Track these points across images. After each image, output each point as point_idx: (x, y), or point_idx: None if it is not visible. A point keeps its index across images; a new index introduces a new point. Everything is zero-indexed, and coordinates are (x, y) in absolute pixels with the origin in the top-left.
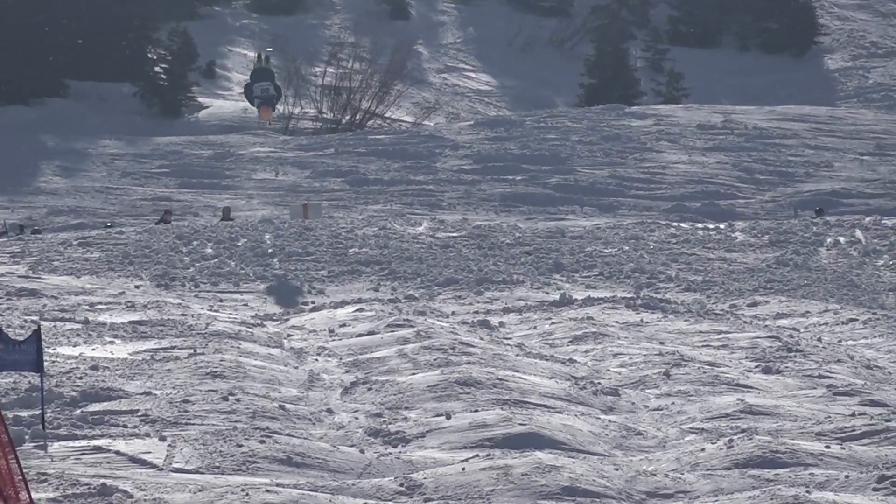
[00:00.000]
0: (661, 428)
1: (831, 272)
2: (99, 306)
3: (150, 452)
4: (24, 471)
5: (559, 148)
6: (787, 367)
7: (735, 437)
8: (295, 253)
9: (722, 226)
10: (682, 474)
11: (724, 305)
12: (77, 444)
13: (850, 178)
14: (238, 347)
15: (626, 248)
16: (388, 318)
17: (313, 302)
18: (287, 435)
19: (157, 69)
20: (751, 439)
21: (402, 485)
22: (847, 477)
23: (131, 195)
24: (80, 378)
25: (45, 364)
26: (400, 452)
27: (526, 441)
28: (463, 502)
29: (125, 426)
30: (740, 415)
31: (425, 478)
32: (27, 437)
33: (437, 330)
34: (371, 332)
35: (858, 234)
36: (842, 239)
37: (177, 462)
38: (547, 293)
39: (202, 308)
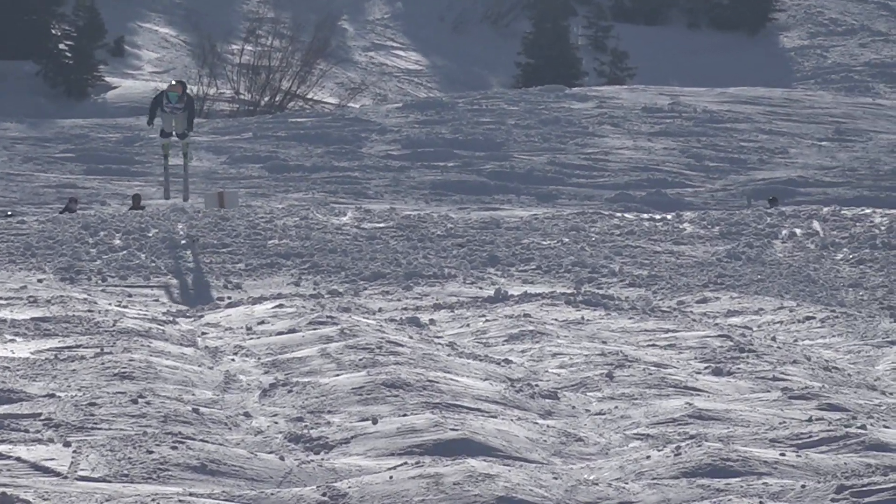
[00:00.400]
0: (603, 434)
1: (787, 266)
2: None
3: (53, 459)
4: None
5: (494, 132)
6: (739, 368)
7: (683, 444)
8: (210, 245)
9: (669, 216)
10: (627, 484)
11: (671, 302)
12: None
13: (806, 166)
14: (149, 346)
15: (566, 240)
16: (309, 314)
17: (229, 297)
18: (201, 440)
19: (61, 46)
20: (700, 446)
21: (324, 494)
22: (803, 487)
23: (34, 182)
24: None
25: None
26: (322, 459)
27: (458, 448)
28: None
29: (27, 431)
30: (689, 420)
31: (350, 487)
32: None
33: (363, 328)
34: (292, 330)
35: (816, 225)
36: (798, 231)
37: (82, 469)
38: (481, 288)
39: (110, 304)
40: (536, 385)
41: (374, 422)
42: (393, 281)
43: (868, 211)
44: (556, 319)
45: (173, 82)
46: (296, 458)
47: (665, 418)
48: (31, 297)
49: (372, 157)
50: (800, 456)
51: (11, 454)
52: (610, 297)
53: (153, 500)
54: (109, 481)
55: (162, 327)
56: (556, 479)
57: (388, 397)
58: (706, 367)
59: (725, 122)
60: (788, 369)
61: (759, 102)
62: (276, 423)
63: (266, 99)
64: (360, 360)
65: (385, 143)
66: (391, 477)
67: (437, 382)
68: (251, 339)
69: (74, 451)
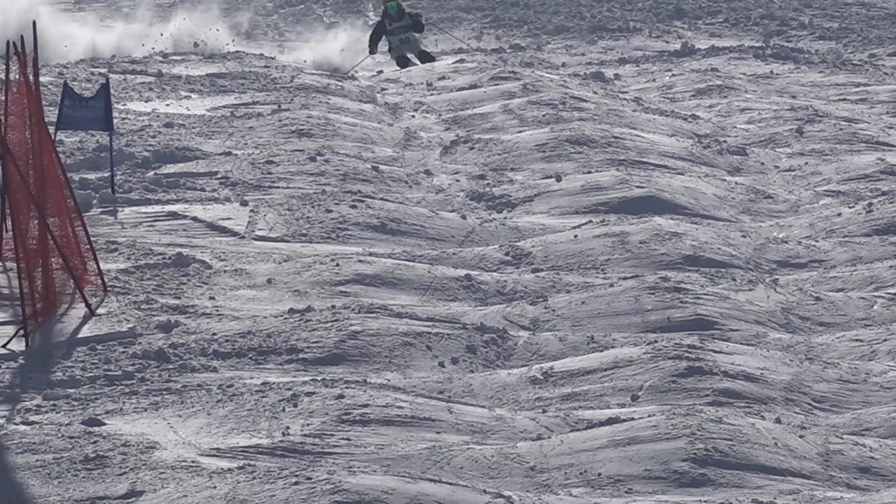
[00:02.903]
0: (792, 191)
1: None
2: (173, 57)
3: (230, 219)
4: (92, 239)
5: None
6: None
7: (875, 201)
8: None
9: None
10: (817, 241)
11: (862, 55)
12: (150, 209)
13: None
14: (327, 103)
15: None
16: (491, 69)
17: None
18: (381, 199)
19: None
20: (892, 203)
21: (507, 253)
22: None
23: None
24: (153, 137)
25: (115, 121)
26: (505, 218)
27: (644, 205)
28: (575, 273)
29: (203, 190)
30: (881, 175)
31: (533, 245)
32: (95, 201)
33: (546, 83)
34: (473, 86)
35: None
36: None
37: (260, 229)
38: (667, 42)
39: (287, 59)
40: (724, 141)
41: (558, 179)
42: (576, 34)
43: None
44: (744, 73)
45: None
46: (478, 216)
47: (856, 174)
48: (205, 52)
49: None
50: None
51: (188, 213)
52: (799, 49)
53: (332, 259)
54: (287, 241)
55: (340, 83)
56: (744, 237)
57: (572, 154)
58: None
59: None
60: None
61: None
62: (457, 181)
63: None
64: (544, 115)
65: None
66: (576, 235)
67: (623, 139)
68: (432, 94)
69: (252, 211)
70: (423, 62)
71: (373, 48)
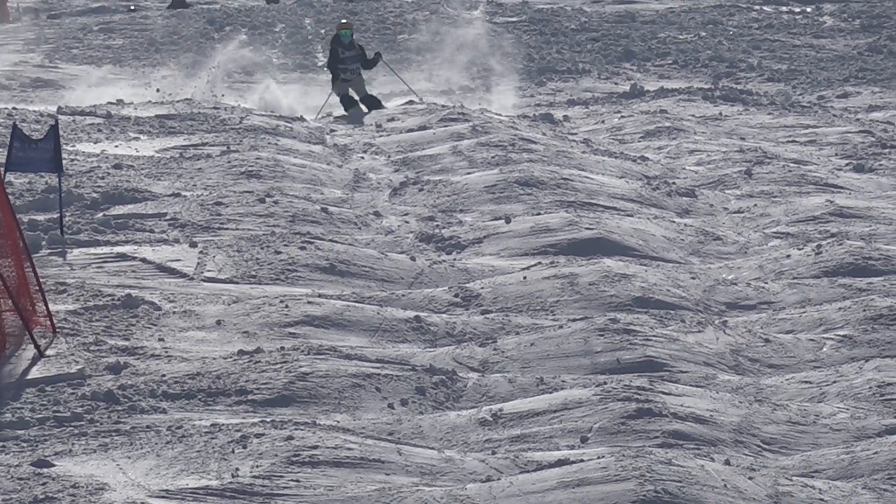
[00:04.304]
0: (741, 232)
1: None
2: (122, 99)
3: (179, 260)
4: (41, 280)
5: None
6: (881, 164)
7: (824, 243)
8: None
9: (809, 8)
10: (766, 283)
11: (811, 97)
12: (99, 250)
13: None
14: (276, 144)
15: (703, 33)
16: (440, 111)
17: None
18: (330, 241)
19: None
20: (841, 245)
21: (456, 295)
22: None
23: None
24: (102, 178)
25: (64, 163)
26: (454, 259)
27: (593, 247)
28: (524, 315)
29: (152, 231)
30: (829, 217)
31: (482, 287)
32: (44, 243)
33: (495, 125)
34: (422, 127)
35: None
36: None
37: (209, 270)
38: (616, 84)
39: (236, 101)
40: (673, 182)
41: (507, 221)
42: (526, 76)
43: None
44: (693, 115)
45: (343, 20)
46: (427, 258)
47: (805, 216)
48: (156, 94)
49: None
50: None
51: (137, 255)
52: (748, 91)
53: (281, 300)
54: (236, 282)
55: (290, 124)
56: (693, 278)
57: (522, 195)
58: (847, 164)
59: None
60: None
61: None
62: (406, 222)
63: None
64: (493, 157)
65: None
66: (525, 277)
67: (572, 180)
68: (381, 136)
69: (201, 252)
70: (368, 107)
71: (335, 73)
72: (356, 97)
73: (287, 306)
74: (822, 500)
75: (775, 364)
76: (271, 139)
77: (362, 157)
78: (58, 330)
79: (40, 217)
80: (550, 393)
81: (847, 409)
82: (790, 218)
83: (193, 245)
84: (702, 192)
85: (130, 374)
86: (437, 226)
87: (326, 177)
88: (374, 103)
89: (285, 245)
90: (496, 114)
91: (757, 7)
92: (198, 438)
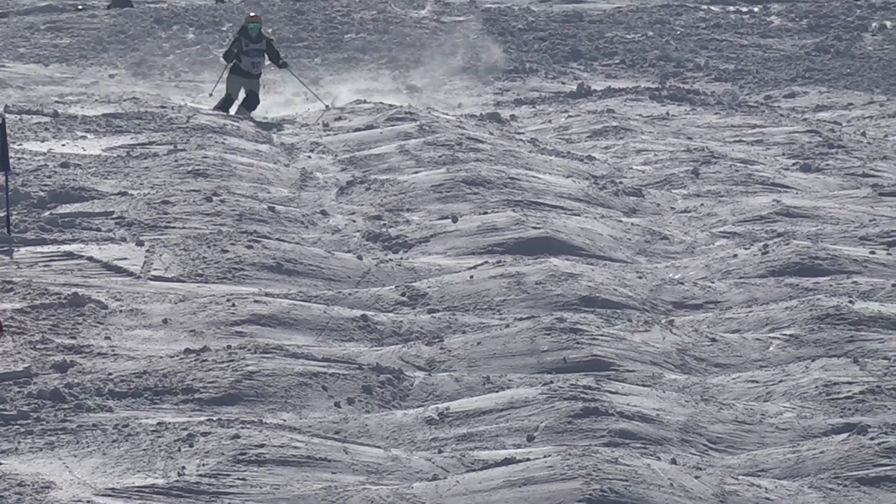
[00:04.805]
0: (688, 232)
1: (877, 59)
2: (69, 97)
3: (126, 259)
4: None
5: None
6: (827, 164)
7: (770, 242)
8: (285, 39)
9: (756, 8)
10: (713, 283)
11: (758, 97)
12: (46, 249)
13: None
14: (223, 143)
15: (651, 33)
16: (387, 110)
17: (305, 94)
18: (277, 239)
19: None
20: (788, 244)
21: (403, 294)
22: (894, 286)
23: None
24: (49, 177)
25: (11, 161)
26: (401, 259)
27: (540, 246)
28: (471, 314)
29: (99, 230)
30: (776, 217)
31: (429, 287)
32: None
33: (443, 124)
34: (369, 127)
35: None
36: (888, 23)
37: (155, 269)
38: (563, 83)
39: (183, 100)
40: (620, 182)
41: (454, 220)
42: (473, 76)
43: None
44: (640, 115)
45: (251, 14)
46: (374, 257)
47: (752, 216)
48: (102, 93)
49: None
50: (890, 254)
51: (83, 253)
52: (695, 91)
53: (228, 300)
54: (183, 281)
55: (236, 123)
56: (640, 278)
57: (469, 195)
58: (794, 164)
59: None
60: (879, 165)
61: None
62: (353, 221)
63: None
64: (440, 156)
65: None
66: (471, 276)
67: (519, 179)
68: (328, 135)
69: (147, 251)
70: (247, 107)
71: (227, 58)
72: (238, 101)
73: (234, 305)
74: (768, 499)
75: (722, 363)
76: (218, 138)
77: (309, 156)
78: (4, 328)
79: None
80: (497, 392)
81: (793, 409)
82: (737, 217)
83: (140, 244)
84: (649, 192)
85: (77, 372)
86: (384, 225)
87: (273, 176)
88: (251, 104)
89: (232, 244)
90: (443, 113)
91: (704, 7)
92: (144, 437)
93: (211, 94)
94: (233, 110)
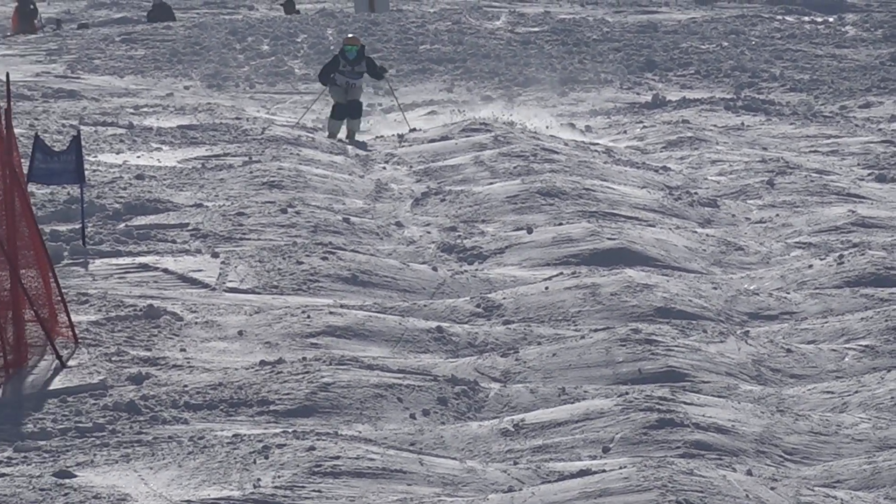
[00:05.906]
0: (763, 242)
1: None
2: (144, 109)
3: (201, 270)
4: (63, 291)
5: None
6: None
7: (846, 253)
8: None
9: (831, 19)
10: (788, 293)
11: (833, 107)
12: (121, 261)
13: None
14: (298, 154)
15: (726, 43)
16: (462, 121)
17: (381, 104)
18: (352, 251)
19: None
20: (863, 255)
21: (478, 305)
22: None
23: None
24: (125, 189)
25: (86, 174)
26: (476, 270)
27: (615, 257)
28: (546, 325)
29: (174, 241)
30: (852, 227)
31: (504, 298)
32: (66, 253)
33: (517, 135)
34: (444, 138)
35: None
36: None
37: (231, 281)
38: (638, 94)
39: (258, 111)
40: (695, 192)
41: (529, 231)
42: (548, 87)
43: None
44: (715, 125)
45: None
46: (449, 268)
47: (827, 226)
48: (177, 104)
49: None
50: None
51: (158, 265)
52: (770, 101)
53: (303, 311)
54: (258, 293)
55: (311, 135)
56: (715, 288)
57: (543, 206)
58: (869, 174)
59: None
60: None
61: None
62: (428, 232)
63: None
64: (515, 167)
65: None
66: (546, 288)
67: (594, 190)
68: (403, 146)
69: (222, 263)
70: (351, 115)
71: (323, 80)
72: (342, 125)
73: (309, 317)
74: None
75: (797, 374)
76: (293, 149)
77: (384, 168)
78: (80, 340)
79: (62, 228)
80: (572, 403)
81: (869, 420)
82: (812, 228)
83: (215, 255)
84: (724, 203)
85: (152, 384)
86: (459, 236)
87: (348, 187)
88: (355, 111)
89: (307, 255)
90: (518, 124)
91: (779, 17)
92: (219, 449)
93: (298, 123)
94: (342, 134)
